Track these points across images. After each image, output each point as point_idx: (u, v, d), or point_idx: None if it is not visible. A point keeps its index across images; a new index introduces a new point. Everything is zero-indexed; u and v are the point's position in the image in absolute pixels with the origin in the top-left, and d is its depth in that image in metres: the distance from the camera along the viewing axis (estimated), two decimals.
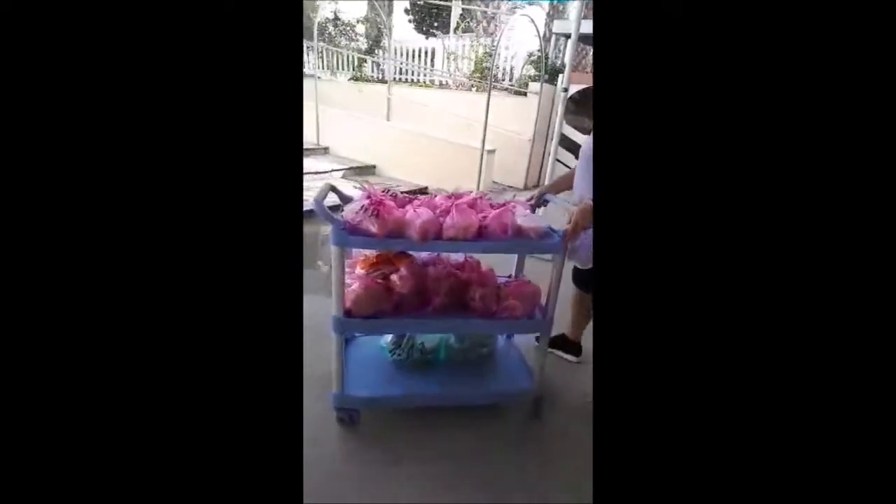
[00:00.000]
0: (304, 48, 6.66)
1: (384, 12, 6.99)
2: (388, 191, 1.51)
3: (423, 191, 4.33)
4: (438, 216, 1.34)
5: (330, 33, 9.35)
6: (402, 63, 7.14)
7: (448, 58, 6.99)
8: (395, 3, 7.49)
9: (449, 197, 1.51)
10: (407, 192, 1.57)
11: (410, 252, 1.49)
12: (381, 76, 7.46)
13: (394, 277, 1.42)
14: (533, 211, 1.56)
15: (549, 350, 1.89)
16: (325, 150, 5.51)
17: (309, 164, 4.75)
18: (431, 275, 1.44)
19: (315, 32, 5.81)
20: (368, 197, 1.30)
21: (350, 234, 1.25)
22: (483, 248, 1.35)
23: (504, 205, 1.48)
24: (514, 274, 1.72)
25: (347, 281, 1.42)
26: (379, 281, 1.40)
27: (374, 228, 1.25)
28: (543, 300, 1.46)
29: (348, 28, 9.66)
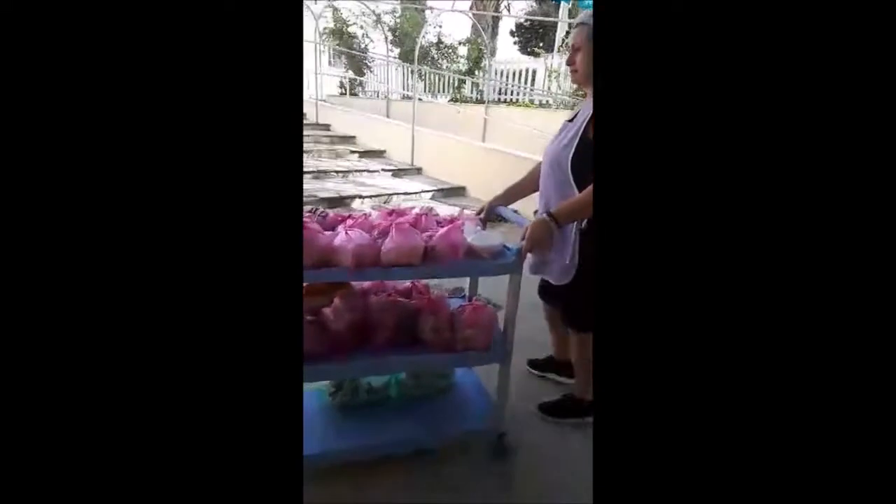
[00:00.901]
0: (411, 72, 6.92)
1: (487, 34, 6.87)
2: (316, 211, 1.31)
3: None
4: (376, 238, 1.15)
5: (433, 57, 9.86)
6: (502, 83, 7.15)
7: (549, 76, 6.86)
8: (500, 24, 7.42)
9: (389, 214, 1.33)
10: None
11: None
12: (479, 97, 7.45)
13: (326, 311, 1.21)
14: (484, 226, 1.41)
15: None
16: (419, 171, 5.55)
17: (400, 184, 4.85)
18: (373, 305, 1.25)
19: (416, 55, 5.88)
20: None
21: None
22: (430, 273, 1.18)
23: (452, 221, 1.32)
24: (467, 295, 1.55)
25: None
26: (308, 317, 1.19)
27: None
28: (502, 324, 1.30)
29: (450, 51, 10.11)
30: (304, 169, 4.75)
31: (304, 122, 6.28)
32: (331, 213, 1.34)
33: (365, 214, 1.31)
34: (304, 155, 5.03)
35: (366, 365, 1.21)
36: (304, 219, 1.12)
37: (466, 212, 1.41)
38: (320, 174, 4.75)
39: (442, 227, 1.28)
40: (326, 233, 1.14)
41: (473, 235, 1.25)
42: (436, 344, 1.26)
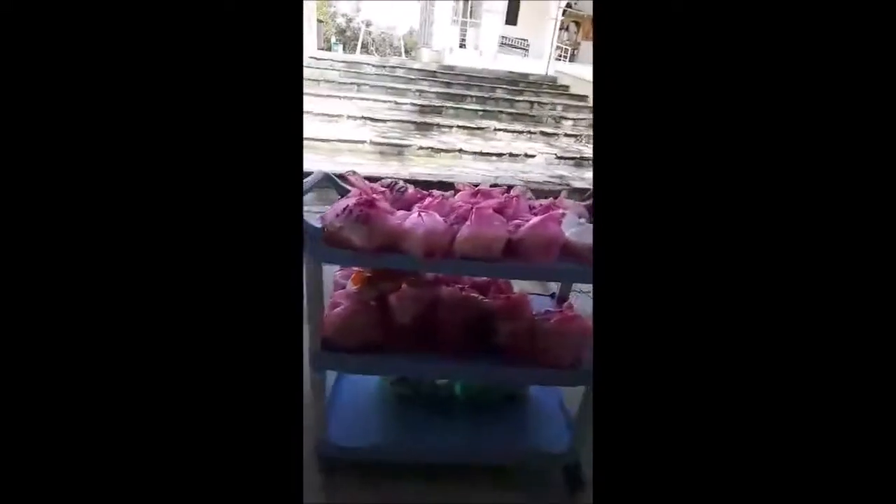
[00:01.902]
0: None
1: None
2: (394, 186, 1.16)
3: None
4: (452, 224, 0.97)
5: None
6: None
7: None
8: None
9: (473, 195, 1.13)
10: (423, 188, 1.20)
11: None
12: None
13: (392, 298, 1.07)
14: (591, 218, 1.14)
15: None
16: None
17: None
18: (443, 299, 1.08)
19: None
20: (359, 195, 0.96)
21: (327, 246, 0.92)
22: (510, 271, 0.97)
23: (549, 208, 1.08)
24: (556, 299, 1.31)
25: (335, 300, 1.10)
26: (372, 303, 1.07)
27: (357, 240, 0.91)
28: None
29: None
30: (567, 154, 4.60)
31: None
32: (411, 188, 1.18)
33: (448, 194, 1.13)
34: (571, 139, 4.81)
35: (426, 367, 1.06)
36: (375, 195, 0.97)
37: (569, 200, 1.15)
38: (583, 161, 4.64)
39: (536, 214, 1.05)
40: (400, 212, 0.99)
41: (575, 228, 1.00)
42: (511, 353, 1.06)
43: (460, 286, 1.13)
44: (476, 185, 1.19)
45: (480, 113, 6.54)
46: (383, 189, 1.11)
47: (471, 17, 14.54)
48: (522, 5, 14.25)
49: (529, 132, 6.18)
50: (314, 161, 3.86)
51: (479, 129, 5.94)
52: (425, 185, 1.32)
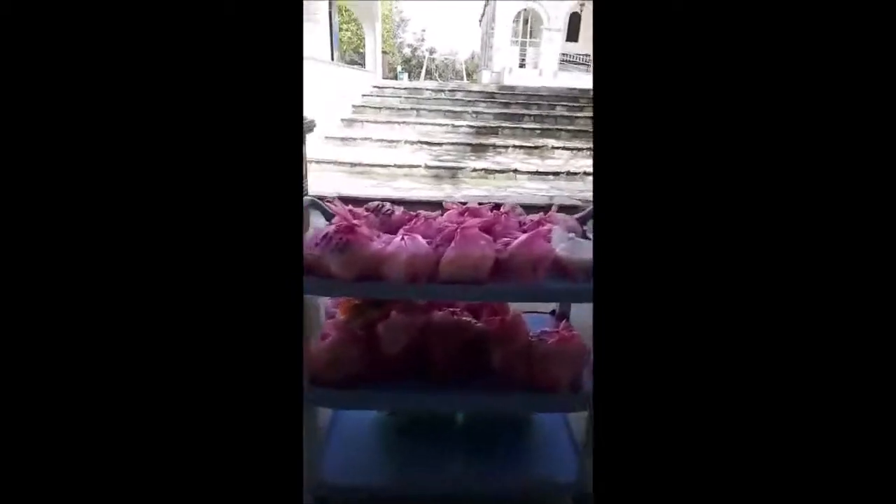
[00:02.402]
0: None
1: None
2: (380, 208, 1.13)
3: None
4: (437, 246, 0.93)
5: None
6: None
7: None
8: None
9: (461, 213, 1.10)
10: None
11: None
12: None
13: (380, 328, 1.03)
14: (583, 232, 1.10)
15: None
16: None
17: None
18: (434, 324, 1.03)
19: None
20: (339, 221, 0.93)
21: (307, 276, 0.89)
22: (498, 294, 0.93)
23: (538, 224, 1.04)
24: (555, 316, 1.26)
25: (325, 331, 1.06)
26: (359, 333, 1.02)
27: (336, 269, 0.87)
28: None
29: None
30: None
31: None
32: (398, 211, 1.15)
33: (431, 216, 1.10)
34: None
35: (417, 399, 1.01)
36: (357, 220, 0.94)
37: (559, 214, 1.10)
38: None
39: (525, 231, 1.01)
40: (384, 236, 0.95)
41: (565, 244, 0.96)
42: (507, 379, 1.01)
43: (452, 310, 1.08)
44: (464, 204, 1.16)
45: (538, 131, 6.51)
46: (366, 213, 1.08)
47: (530, 36, 14.67)
48: (583, 22, 14.29)
49: (589, 149, 6.08)
50: (370, 186, 3.89)
51: (535, 147, 5.89)
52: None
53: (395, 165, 4.56)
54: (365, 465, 1.14)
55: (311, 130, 2.97)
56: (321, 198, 1.08)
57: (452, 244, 0.91)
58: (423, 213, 1.12)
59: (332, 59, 7.63)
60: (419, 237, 0.93)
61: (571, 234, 0.99)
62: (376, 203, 1.15)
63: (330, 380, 0.99)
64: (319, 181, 3.82)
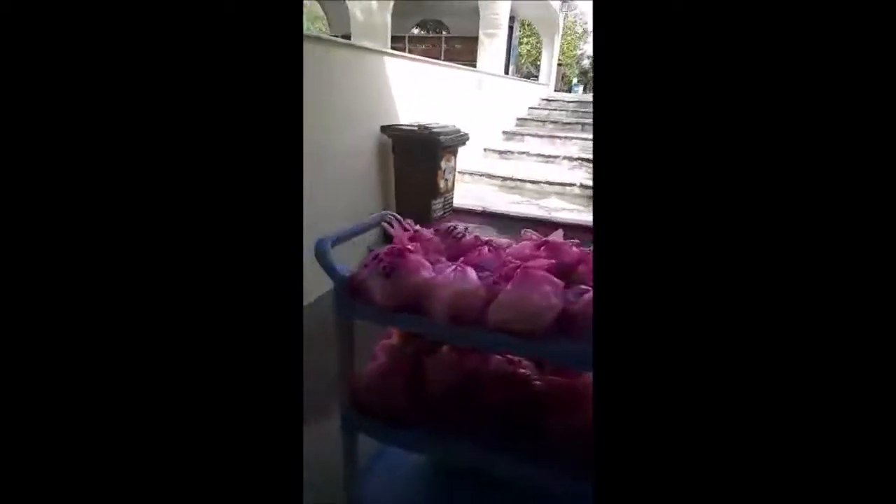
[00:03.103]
0: None
1: None
2: (452, 231, 1.03)
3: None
4: (493, 283, 0.80)
5: None
6: None
7: None
8: None
9: (538, 246, 0.94)
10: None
11: None
12: None
13: (427, 363, 0.93)
14: None
15: None
16: None
17: None
18: (485, 371, 0.90)
19: None
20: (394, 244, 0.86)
21: (351, 298, 0.84)
22: (554, 353, 0.76)
23: (581, 259, 0.84)
24: None
25: (376, 353, 1.01)
26: (404, 366, 0.94)
27: (379, 295, 0.80)
28: None
29: None
30: None
31: None
32: (470, 235, 1.03)
33: (503, 245, 0.96)
34: None
35: (456, 452, 0.88)
36: (412, 241, 0.86)
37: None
38: None
39: None
40: (443, 264, 0.85)
41: None
42: (562, 455, 0.83)
43: (511, 358, 0.93)
44: (545, 234, 1.00)
45: None
46: (434, 235, 0.99)
47: None
48: None
49: None
50: (516, 202, 3.80)
51: None
52: None
53: (546, 182, 4.22)
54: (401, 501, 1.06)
55: (462, 143, 3.02)
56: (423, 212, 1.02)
57: (510, 285, 0.77)
58: (495, 240, 0.99)
59: (507, 72, 7.60)
60: (471, 270, 0.81)
61: None
62: (448, 225, 1.05)
63: (370, 409, 0.93)
64: (468, 193, 3.80)
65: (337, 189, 2.44)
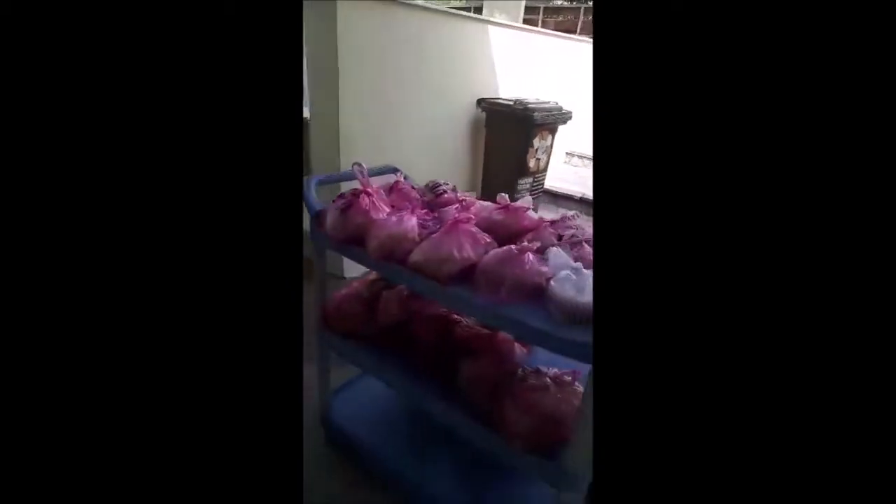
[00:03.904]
0: None
1: None
2: (435, 187, 1.11)
3: None
4: (429, 233, 0.88)
5: None
6: None
7: None
8: None
9: (502, 208, 0.98)
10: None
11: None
12: None
13: (386, 295, 1.06)
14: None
15: None
16: None
17: None
18: (423, 312, 0.99)
19: None
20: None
21: (318, 228, 1.00)
22: (452, 301, 0.81)
23: (535, 227, 0.85)
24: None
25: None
26: (365, 296, 1.08)
27: (332, 227, 0.95)
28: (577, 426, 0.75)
29: None
30: None
31: None
32: (451, 192, 1.10)
33: (475, 202, 1.01)
34: None
35: (400, 376, 0.99)
36: (371, 188, 0.97)
37: (585, 221, 0.85)
38: None
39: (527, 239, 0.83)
40: (403, 214, 0.95)
41: (565, 272, 0.74)
42: (470, 402, 0.88)
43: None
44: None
45: None
46: (408, 188, 1.09)
47: None
48: None
49: None
50: None
51: None
52: None
53: None
54: (368, 422, 1.22)
55: (563, 122, 2.87)
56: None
57: (435, 235, 0.85)
58: (472, 200, 1.05)
59: None
60: (413, 219, 0.90)
61: (579, 264, 0.76)
62: (435, 181, 1.14)
63: (336, 325, 1.10)
64: (572, 177, 3.69)
65: (428, 158, 2.54)
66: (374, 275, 1.16)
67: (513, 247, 0.78)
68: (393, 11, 2.06)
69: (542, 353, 0.98)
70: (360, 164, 0.99)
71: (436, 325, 0.97)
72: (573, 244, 0.85)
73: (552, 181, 3.23)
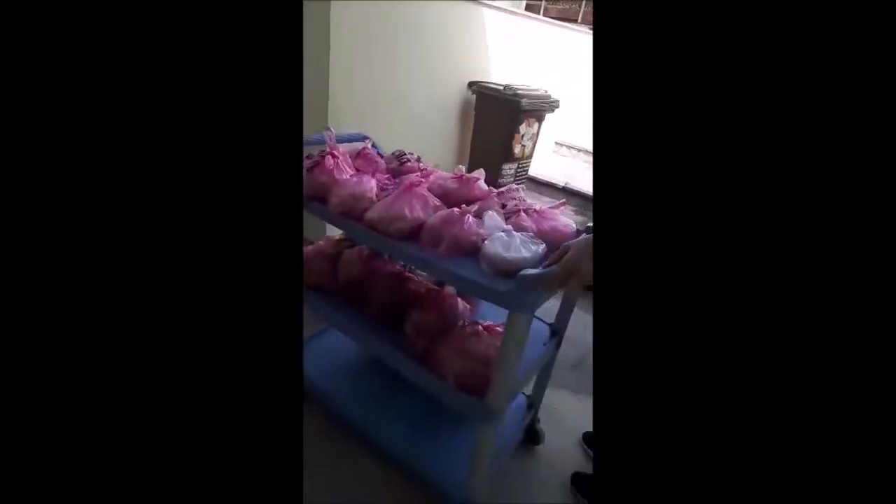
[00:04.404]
0: None
1: None
2: (401, 155, 1.21)
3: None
4: (386, 194, 0.97)
5: None
6: None
7: None
8: None
9: (456, 178, 1.07)
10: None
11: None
12: None
13: (347, 253, 1.16)
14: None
15: None
16: None
17: None
18: (378, 269, 1.09)
19: None
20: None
21: None
22: (400, 254, 0.91)
23: (484, 196, 0.95)
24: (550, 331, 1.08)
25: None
26: (329, 252, 1.18)
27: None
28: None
29: None
30: None
31: None
32: (415, 162, 1.19)
33: (428, 169, 1.11)
34: None
35: (356, 330, 1.09)
36: (338, 152, 1.06)
37: (518, 188, 0.96)
38: None
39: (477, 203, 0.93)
40: (363, 177, 1.04)
41: (498, 234, 0.84)
42: (412, 347, 0.99)
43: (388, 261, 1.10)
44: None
45: None
46: (373, 154, 1.18)
47: None
48: None
49: None
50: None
51: None
52: None
53: None
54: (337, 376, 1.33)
55: (550, 110, 2.88)
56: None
57: (389, 196, 0.94)
58: (432, 169, 1.14)
59: None
60: (372, 181, 0.99)
61: (509, 227, 0.86)
62: (401, 151, 1.23)
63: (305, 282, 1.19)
64: (558, 167, 3.68)
65: (417, 138, 2.57)
66: (341, 234, 1.25)
67: (455, 209, 0.87)
68: None
69: (487, 309, 1.09)
70: (329, 129, 1.08)
71: (389, 282, 1.08)
72: (512, 212, 0.95)
73: (538, 168, 3.29)
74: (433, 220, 0.87)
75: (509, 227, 0.85)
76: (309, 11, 1.90)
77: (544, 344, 1.11)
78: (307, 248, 1.22)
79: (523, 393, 1.31)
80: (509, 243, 0.82)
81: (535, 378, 1.24)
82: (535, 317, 1.20)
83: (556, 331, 1.15)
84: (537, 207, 0.97)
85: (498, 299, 0.77)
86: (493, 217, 0.87)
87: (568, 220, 0.98)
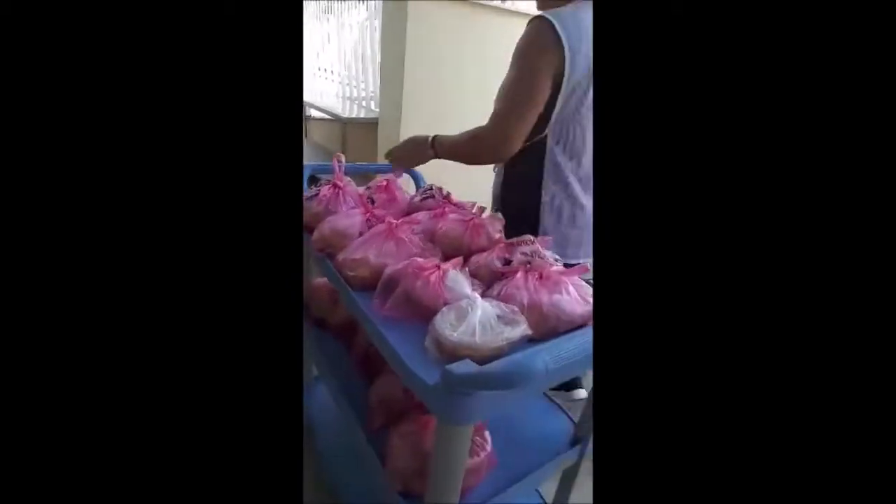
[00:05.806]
0: None
1: None
2: (425, 190, 1.06)
3: None
4: (366, 235, 0.83)
5: None
6: None
7: None
8: None
9: (466, 221, 0.88)
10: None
11: None
12: None
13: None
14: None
15: None
16: None
17: None
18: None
19: None
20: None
21: None
22: (351, 306, 0.75)
23: (489, 245, 0.74)
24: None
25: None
26: (330, 287, 1.07)
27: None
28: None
29: None
30: None
31: None
32: (433, 201, 1.02)
33: (445, 205, 0.93)
34: None
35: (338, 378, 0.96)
36: (340, 183, 0.96)
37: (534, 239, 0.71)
38: None
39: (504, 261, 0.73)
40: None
41: (463, 301, 0.63)
42: (369, 430, 0.81)
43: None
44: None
45: None
46: (392, 187, 1.05)
47: None
48: None
49: None
50: None
51: None
52: None
53: None
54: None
55: None
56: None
57: (361, 237, 0.80)
58: (453, 208, 0.96)
59: None
60: (357, 215, 0.87)
61: (475, 294, 0.64)
62: (429, 185, 1.08)
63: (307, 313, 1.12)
64: None
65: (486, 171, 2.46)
66: None
67: (418, 259, 0.69)
68: (464, 12, 2.00)
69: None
70: (339, 157, 0.99)
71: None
72: (505, 273, 0.72)
73: None
74: (391, 270, 0.70)
75: (475, 294, 0.63)
76: (387, 39, 1.86)
77: (558, 454, 0.83)
78: (316, 280, 1.15)
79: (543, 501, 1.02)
80: (467, 316, 0.60)
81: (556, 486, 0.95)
82: (552, 401, 0.94)
83: (581, 437, 0.85)
84: (548, 268, 0.72)
85: (422, 394, 0.56)
86: (457, 278, 0.65)
87: (586, 292, 0.71)
